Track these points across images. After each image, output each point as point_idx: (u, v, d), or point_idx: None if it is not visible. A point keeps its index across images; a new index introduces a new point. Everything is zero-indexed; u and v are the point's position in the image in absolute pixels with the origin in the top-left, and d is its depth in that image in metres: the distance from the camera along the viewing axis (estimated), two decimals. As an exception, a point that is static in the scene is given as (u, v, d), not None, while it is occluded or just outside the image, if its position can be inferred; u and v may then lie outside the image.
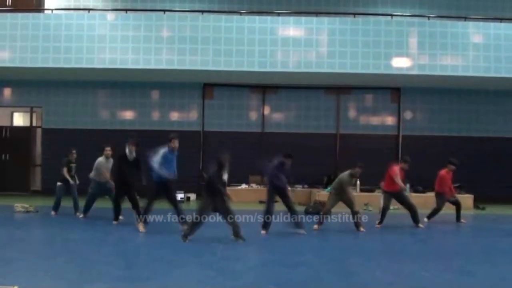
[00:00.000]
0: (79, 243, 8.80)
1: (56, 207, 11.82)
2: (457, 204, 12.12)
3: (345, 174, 10.73)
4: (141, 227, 9.94)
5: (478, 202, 14.86)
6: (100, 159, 11.44)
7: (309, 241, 9.48)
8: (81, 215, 11.51)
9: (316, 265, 7.52)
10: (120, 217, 10.98)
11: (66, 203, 11.85)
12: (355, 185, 13.56)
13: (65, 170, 11.77)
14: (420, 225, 11.21)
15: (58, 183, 11.88)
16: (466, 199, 14.80)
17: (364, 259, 8.14)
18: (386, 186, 11.25)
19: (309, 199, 14.99)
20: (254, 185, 15.79)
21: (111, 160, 11.43)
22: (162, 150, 9.79)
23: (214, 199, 9.01)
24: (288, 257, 8.05)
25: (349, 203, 10.60)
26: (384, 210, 11.21)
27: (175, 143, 9.84)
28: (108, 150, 11.44)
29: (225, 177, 9.40)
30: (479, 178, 15.90)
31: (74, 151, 11.93)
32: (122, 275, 6.67)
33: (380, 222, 11.22)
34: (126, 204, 10.88)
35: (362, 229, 10.51)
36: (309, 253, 8.35)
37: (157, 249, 8.39)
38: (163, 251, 8.27)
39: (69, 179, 11.75)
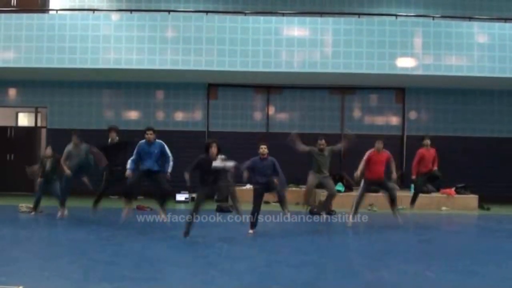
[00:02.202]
0: (84, 243, 8.81)
1: (35, 205, 11.91)
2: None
3: None
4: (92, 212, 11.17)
5: (483, 203, 14.79)
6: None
7: (313, 241, 9.47)
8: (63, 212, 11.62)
9: (321, 265, 7.51)
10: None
11: (69, 204, 11.87)
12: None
13: (35, 166, 12.01)
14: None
15: (38, 180, 12.10)
16: (471, 199, 14.80)
17: (369, 259, 8.13)
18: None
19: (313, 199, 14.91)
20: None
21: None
22: (139, 142, 10.39)
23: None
24: (293, 257, 8.05)
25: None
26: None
27: (148, 134, 10.29)
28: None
29: (218, 164, 9.09)
30: (484, 178, 15.87)
31: (48, 147, 12.01)
32: (127, 275, 6.68)
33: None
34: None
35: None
36: (314, 253, 8.35)
37: (162, 249, 8.41)
38: (168, 251, 8.28)
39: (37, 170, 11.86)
